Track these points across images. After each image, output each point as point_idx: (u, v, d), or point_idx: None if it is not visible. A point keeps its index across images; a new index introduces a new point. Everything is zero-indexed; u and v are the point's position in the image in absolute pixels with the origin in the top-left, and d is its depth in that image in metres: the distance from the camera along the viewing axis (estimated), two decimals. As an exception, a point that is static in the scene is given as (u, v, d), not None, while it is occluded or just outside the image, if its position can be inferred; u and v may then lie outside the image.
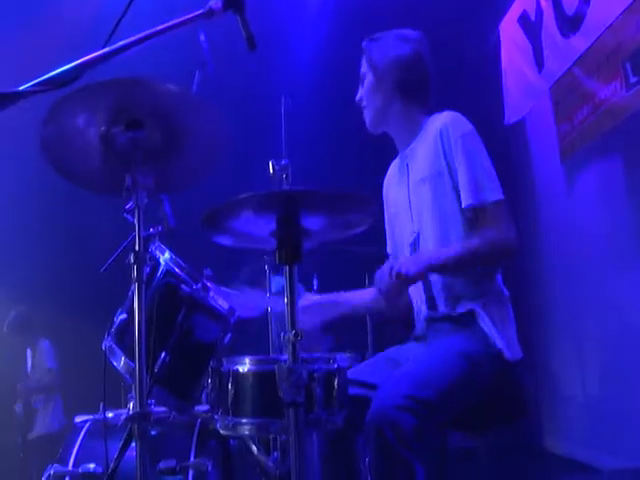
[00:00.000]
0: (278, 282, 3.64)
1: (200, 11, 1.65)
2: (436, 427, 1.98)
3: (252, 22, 1.70)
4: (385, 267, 2.15)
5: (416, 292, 2.42)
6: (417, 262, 2.14)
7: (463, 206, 2.25)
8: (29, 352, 5.98)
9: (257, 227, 1.82)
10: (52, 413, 5.80)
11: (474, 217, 2.26)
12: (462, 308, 2.24)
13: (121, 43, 1.53)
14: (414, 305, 2.47)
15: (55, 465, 2.20)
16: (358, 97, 2.53)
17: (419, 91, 2.46)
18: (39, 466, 5.14)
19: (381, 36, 2.50)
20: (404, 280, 2.10)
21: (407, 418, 1.87)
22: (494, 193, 2.23)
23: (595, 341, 4.47)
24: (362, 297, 2.65)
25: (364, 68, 2.50)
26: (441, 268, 2.20)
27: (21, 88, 1.34)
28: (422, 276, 2.14)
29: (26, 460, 5.62)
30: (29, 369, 5.94)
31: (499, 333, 2.17)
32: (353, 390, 2.01)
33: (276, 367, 1.67)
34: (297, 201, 1.74)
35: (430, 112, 2.46)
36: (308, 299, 2.56)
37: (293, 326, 1.69)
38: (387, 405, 1.90)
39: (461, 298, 2.26)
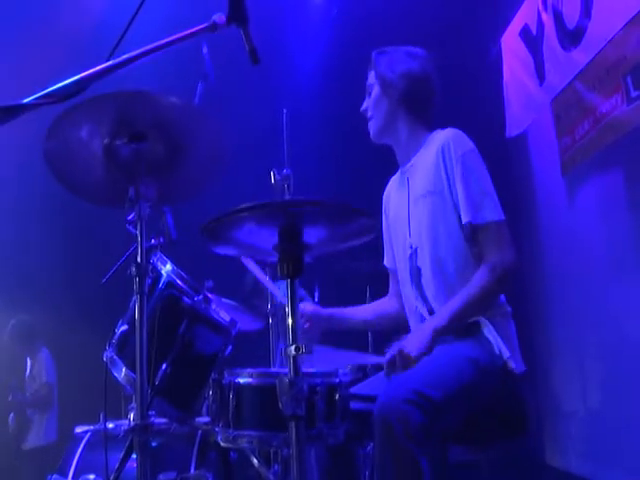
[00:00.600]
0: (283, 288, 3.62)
1: (204, 25, 1.65)
2: (441, 430, 1.96)
3: (254, 33, 1.70)
4: (395, 346, 2.12)
5: (413, 308, 2.42)
6: (422, 340, 2.11)
7: (463, 222, 2.25)
8: (28, 361, 5.96)
9: (260, 238, 1.82)
10: (47, 425, 5.76)
11: (473, 235, 2.26)
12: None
13: (125, 56, 1.53)
14: (409, 320, 2.47)
15: (55, 476, 2.20)
16: (363, 107, 2.55)
17: (424, 107, 2.48)
18: (34, 477, 5.13)
19: (390, 50, 2.53)
20: (412, 361, 2.06)
21: (415, 413, 1.85)
22: (493, 213, 2.24)
23: (596, 355, 4.45)
24: (363, 315, 2.67)
25: (371, 79, 2.52)
26: (448, 329, 2.17)
27: (25, 101, 1.34)
28: (430, 351, 2.10)
29: (20, 470, 5.61)
30: (27, 378, 5.92)
31: (505, 344, 2.16)
32: (355, 405, 2.00)
33: (277, 381, 1.66)
34: (299, 211, 1.74)
35: (432, 129, 2.48)
36: (313, 307, 2.57)
37: (294, 340, 1.69)
38: (396, 398, 1.88)
39: None
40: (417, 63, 2.46)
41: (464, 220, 2.24)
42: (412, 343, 2.10)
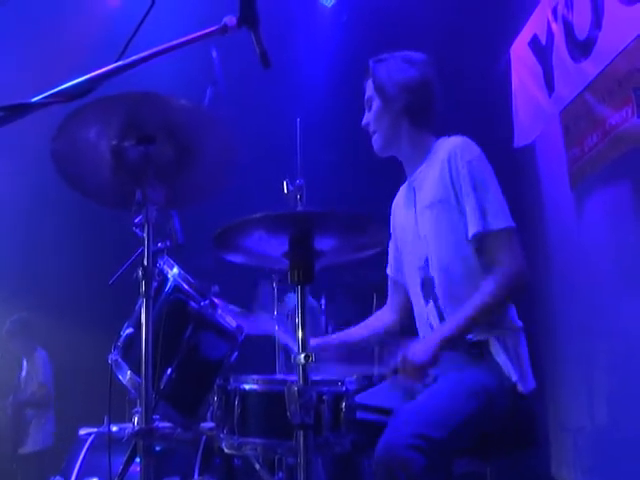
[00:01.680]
0: (292, 298, 3.62)
1: (214, 27, 1.64)
2: (447, 463, 1.93)
3: (265, 41, 1.69)
4: (401, 352, 2.06)
5: (425, 319, 2.39)
6: (428, 348, 2.05)
7: (469, 236, 2.21)
8: (24, 361, 5.94)
9: (269, 247, 1.81)
10: (43, 429, 5.74)
11: (482, 245, 2.22)
12: (475, 337, 2.19)
13: (134, 57, 1.52)
14: (420, 332, 2.44)
15: (58, 477, 2.19)
16: (364, 122, 2.49)
17: (426, 115, 2.44)
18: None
19: (387, 58, 2.46)
20: (416, 369, 2.02)
21: (418, 458, 1.82)
22: (502, 220, 2.19)
23: (605, 369, 4.42)
24: (360, 334, 2.59)
25: (370, 92, 2.47)
26: (456, 339, 2.12)
27: (34, 100, 1.33)
28: (436, 360, 2.04)
29: (16, 473, 5.58)
30: (23, 378, 5.90)
31: (513, 366, 2.14)
32: (363, 415, 1.97)
33: (285, 388, 1.65)
34: (310, 222, 1.73)
35: (437, 135, 2.45)
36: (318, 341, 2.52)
37: (303, 348, 1.67)
38: (397, 444, 1.85)
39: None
40: (416, 70, 2.40)
41: (472, 232, 2.20)
42: (417, 351, 2.05)
